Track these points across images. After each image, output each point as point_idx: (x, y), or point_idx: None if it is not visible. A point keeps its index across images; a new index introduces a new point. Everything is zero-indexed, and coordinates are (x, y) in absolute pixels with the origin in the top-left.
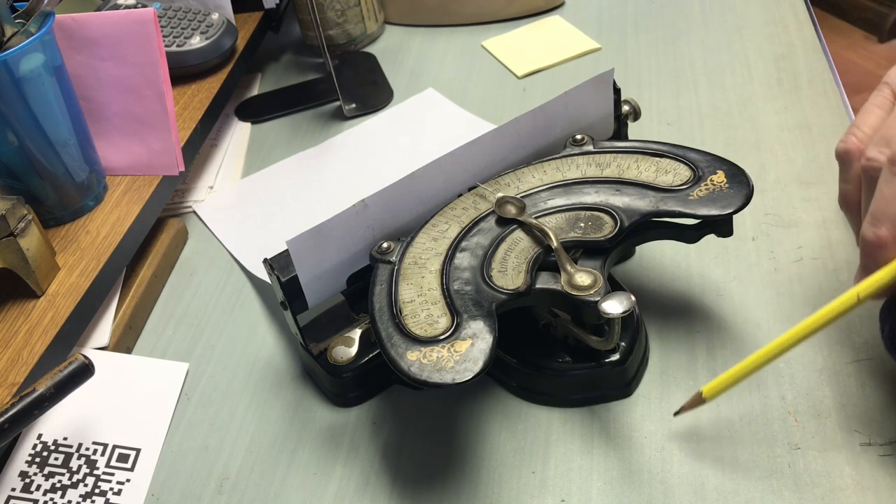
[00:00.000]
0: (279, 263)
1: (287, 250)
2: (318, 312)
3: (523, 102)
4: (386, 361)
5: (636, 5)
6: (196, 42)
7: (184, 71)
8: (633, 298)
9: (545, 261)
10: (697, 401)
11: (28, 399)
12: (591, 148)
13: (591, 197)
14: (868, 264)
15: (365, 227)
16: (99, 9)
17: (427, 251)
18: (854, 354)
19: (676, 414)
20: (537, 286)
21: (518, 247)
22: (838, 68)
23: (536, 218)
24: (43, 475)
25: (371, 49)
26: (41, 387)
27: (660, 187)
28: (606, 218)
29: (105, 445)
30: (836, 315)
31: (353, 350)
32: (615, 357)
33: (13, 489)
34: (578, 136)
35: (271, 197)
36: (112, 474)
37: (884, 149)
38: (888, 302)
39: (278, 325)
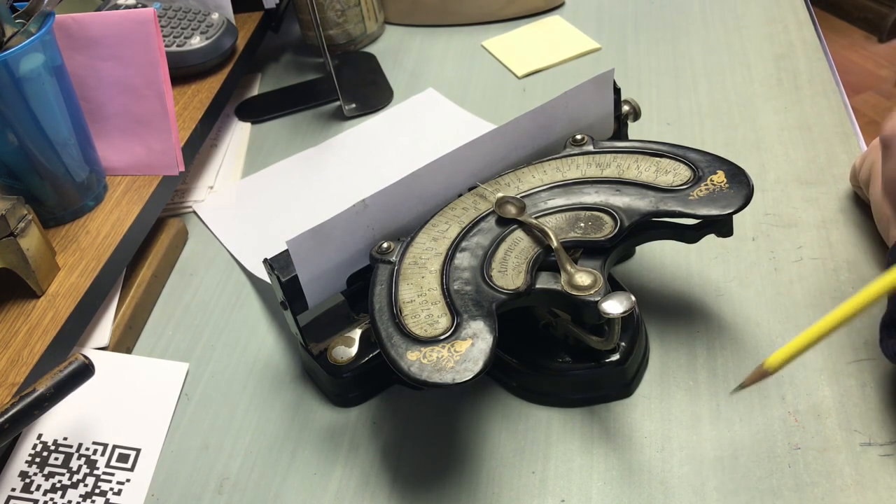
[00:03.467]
0: (279, 263)
1: (287, 250)
2: (318, 312)
3: (523, 102)
4: (386, 361)
5: (636, 5)
6: (196, 42)
7: (184, 71)
8: (633, 298)
9: (545, 261)
10: (760, 374)
11: (28, 399)
12: (591, 148)
13: (591, 197)
14: None
15: (365, 227)
16: (99, 9)
17: (427, 251)
18: (854, 354)
19: (734, 391)
20: (537, 286)
21: (518, 247)
22: (838, 68)
23: (536, 218)
24: (43, 475)
25: (371, 49)
26: (41, 387)
27: (660, 187)
28: (606, 218)
29: (105, 445)
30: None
31: (353, 350)
32: (615, 357)
33: (13, 489)
34: (578, 136)
35: (271, 197)
36: (112, 474)
37: None
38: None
39: (278, 325)
